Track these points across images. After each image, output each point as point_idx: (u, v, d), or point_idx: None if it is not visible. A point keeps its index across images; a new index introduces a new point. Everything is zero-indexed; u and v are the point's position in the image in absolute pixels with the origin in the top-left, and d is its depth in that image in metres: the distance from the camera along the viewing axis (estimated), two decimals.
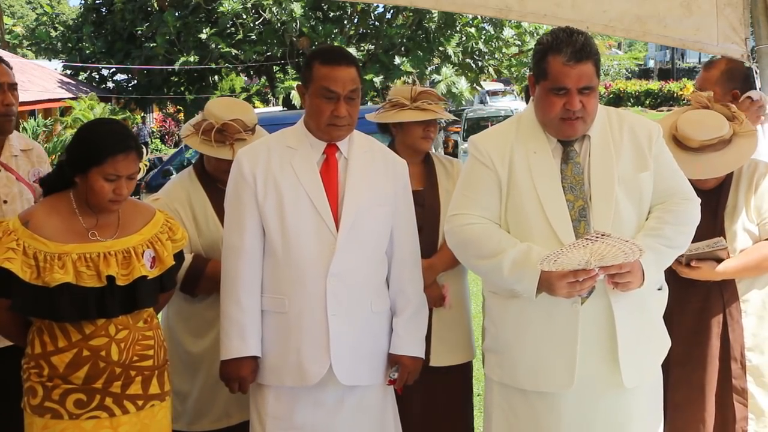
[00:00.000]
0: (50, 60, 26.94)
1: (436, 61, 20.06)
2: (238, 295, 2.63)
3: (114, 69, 22.29)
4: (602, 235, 2.18)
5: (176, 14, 19.27)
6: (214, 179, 3.17)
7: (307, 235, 2.61)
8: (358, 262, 2.64)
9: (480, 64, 20.71)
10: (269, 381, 2.67)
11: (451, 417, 3.11)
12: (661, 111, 30.20)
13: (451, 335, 3.10)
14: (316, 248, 2.60)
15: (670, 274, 2.88)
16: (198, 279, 3.01)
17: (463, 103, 20.85)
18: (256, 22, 19.04)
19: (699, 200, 2.54)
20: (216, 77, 22.40)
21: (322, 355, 2.61)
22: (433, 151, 3.37)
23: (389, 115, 3.19)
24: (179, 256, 2.70)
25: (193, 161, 3.37)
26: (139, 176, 2.57)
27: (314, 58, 2.65)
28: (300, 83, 2.72)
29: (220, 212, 3.09)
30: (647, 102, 36.13)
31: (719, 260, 2.82)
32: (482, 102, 25.47)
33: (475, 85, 20.90)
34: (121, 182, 2.47)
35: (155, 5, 19.82)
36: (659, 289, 2.56)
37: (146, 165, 2.60)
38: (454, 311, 3.13)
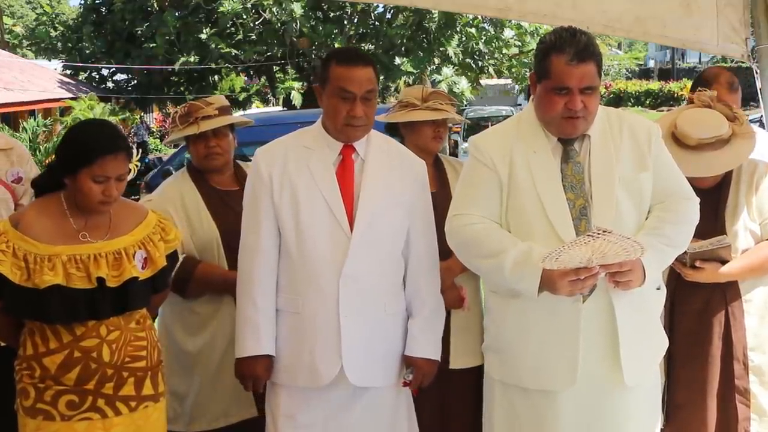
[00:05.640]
0: (50, 60, 26.96)
1: (437, 61, 20.06)
2: (253, 295, 2.64)
3: (114, 69, 22.30)
4: (604, 231, 2.18)
5: (176, 14, 19.27)
6: (206, 177, 3.18)
7: (321, 236, 2.61)
8: (371, 263, 2.63)
9: (480, 64, 20.72)
10: (282, 380, 2.68)
11: (467, 418, 3.10)
12: (661, 111, 30.19)
13: (470, 337, 3.09)
14: (329, 249, 2.60)
15: (672, 274, 2.89)
16: (187, 282, 3.01)
17: (464, 102, 20.84)
18: (256, 23, 19.05)
19: (698, 200, 2.53)
20: (216, 77, 22.39)
21: (334, 356, 2.61)
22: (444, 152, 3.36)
23: (400, 114, 3.18)
24: (172, 257, 2.69)
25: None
26: (129, 177, 2.56)
27: (331, 59, 2.65)
28: (317, 84, 2.71)
29: (213, 211, 3.10)
30: (647, 102, 36.17)
31: (723, 261, 2.82)
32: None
33: (475, 85, 20.92)
34: (110, 183, 2.45)
35: (155, 5, 19.81)
36: (657, 289, 2.56)
37: (137, 166, 2.60)
38: (471, 313, 3.12)
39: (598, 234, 2.17)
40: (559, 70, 2.34)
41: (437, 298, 2.79)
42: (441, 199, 3.06)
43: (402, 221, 2.70)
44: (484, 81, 25.41)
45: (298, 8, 17.96)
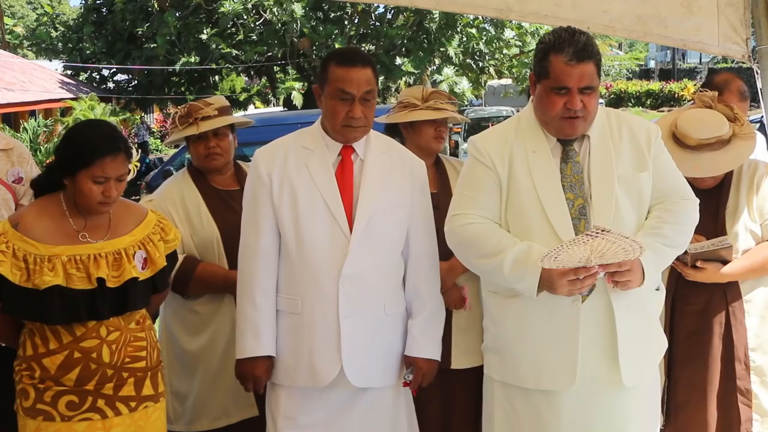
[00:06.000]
0: (51, 60, 26.92)
1: (437, 61, 20.05)
2: (253, 295, 2.64)
3: (114, 69, 22.27)
4: (602, 231, 2.18)
5: (177, 14, 19.24)
6: (207, 177, 3.19)
7: (321, 237, 2.61)
8: (371, 264, 2.63)
9: (481, 64, 20.71)
10: (282, 381, 2.68)
11: (468, 418, 3.11)
12: (662, 111, 30.23)
13: (471, 337, 3.09)
14: (328, 250, 2.60)
15: (673, 275, 2.88)
16: (187, 282, 3.02)
17: (465, 103, 20.83)
18: (257, 23, 19.03)
19: (697, 200, 2.53)
20: (216, 77, 22.38)
21: (334, 356, 2.61)
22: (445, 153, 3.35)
23: (401, 115, 3.17)
24: (172, 257, 2.69)
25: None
26: (129, 177, 2.56)
27: (330, 59, 2.64)
28: (316, 84, 2.71)
29: (214, 210, 3.10)
30: (648, 102, 36.17)
31: (724, 261, 2.82)
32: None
33: (476, 85, 20.92)
34: (109, 184, 2.45)
35: (156, 5, 19.80)
36: (657, 290, 2.56)
37: (136, 166, 2.59)
38: (472, 313, 3.12)
39: (597, 233, 2.17)
40: (559, 69, 2.34)
41: (437, 299, 2.79)
42: (442, 199, 3.06)
43: (401, 222, 2.70)
44: (497, 81, 25.32)
45: (298, 8, 17.95)
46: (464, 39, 19.94)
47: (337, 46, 17.77)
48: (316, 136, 2.70)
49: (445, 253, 2.85)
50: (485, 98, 28.18)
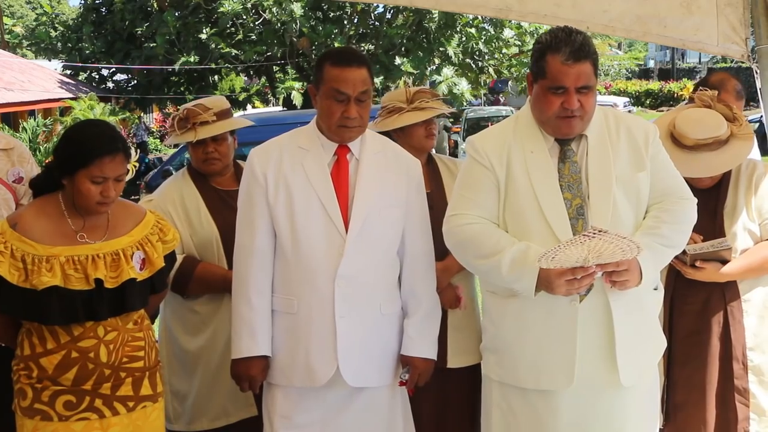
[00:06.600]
0: (50, 60, 26.96)
1: (437, 61, 20.08)
2: (249, 295, 2.64)
3: (114, 69, 22.30)
4: (600, 231, 2.18)
5: (176, 14, 19.27)
6: (206, 177, 3.19)
7: (316, 237, 2.60)
8: (367, 264, 2.63)
9: (480, 64, 20.73)
10: (278, 381, 2.68)
11: (464, 417, 3.11)
12: (661, 111, 30.24)
13: (465, 336, 3.10)
14: (324, 250, 2.60)
15: (671, 274, 2.88)
16: (187, 282, 3.02)
17: (464, 103, 20.86)
18: (256, 23, 19.05)
19: (695, 200, 2.53)
20: (216, 77, 22.41)
21: (330, 356, 2.61)
22: (434, 152, 3.36)
23: (390, 121, 3.16)
24: (170, 257, 2.69)
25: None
26: (128, 177, 2.56)
27: (325, 59, 2.64)
28: (311, 84, 2.71)
29: (213, 210, 3.10)
30: (647, 102, 36.19)
31: (723, 261, 2.82)
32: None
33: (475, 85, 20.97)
34: (108, 184, 2.45)
35: (155, 5, 19.82)
36: (655, 290, 2.55)
37: (135, 166, 2.59)
38: (467, 312, 3.12)
39: (594, 234, 2.17)
40: (555, 69, 2.34)
41: (433, 298, 2.79)
42: (436, 198, 3.06)
43: (397, 222, 2.70)
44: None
45: (298, 8, 17.97)
46: (463, 39, 19.97)
47: (336, 45, 17.78)
48: (312, 135, 2.70)
49: (440, 253, 2.86)
50: (507, 98, 28.25)
